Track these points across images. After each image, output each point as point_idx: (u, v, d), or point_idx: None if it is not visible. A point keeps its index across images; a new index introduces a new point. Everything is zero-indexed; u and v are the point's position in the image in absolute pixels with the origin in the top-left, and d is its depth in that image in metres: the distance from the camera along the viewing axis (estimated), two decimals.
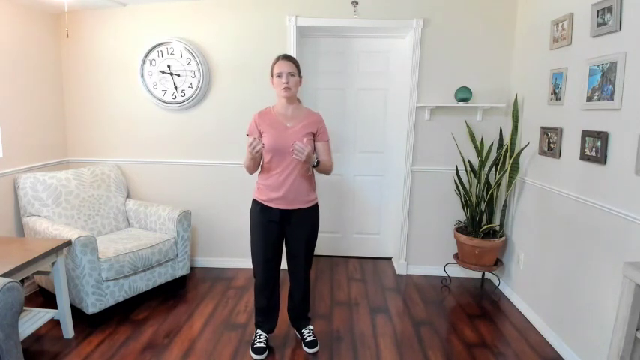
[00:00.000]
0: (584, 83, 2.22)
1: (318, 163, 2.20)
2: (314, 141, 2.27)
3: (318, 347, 2.42)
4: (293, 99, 2.25)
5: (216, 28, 3.29)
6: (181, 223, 3.07)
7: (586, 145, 2.22)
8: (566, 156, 2.44)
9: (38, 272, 2.47)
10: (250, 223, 2.34)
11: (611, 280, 2.02)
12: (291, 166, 2.19)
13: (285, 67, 2.15)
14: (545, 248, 2.66)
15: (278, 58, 2.19)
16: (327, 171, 2.32)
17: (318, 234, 3.92)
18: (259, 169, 2.32)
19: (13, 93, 2.95)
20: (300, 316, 2.50)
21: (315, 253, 3.91)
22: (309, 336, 2.44)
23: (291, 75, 2.16)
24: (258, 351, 2.33)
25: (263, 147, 2.07)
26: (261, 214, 2.27)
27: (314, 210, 2.33)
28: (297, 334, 2.53)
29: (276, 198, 2.22)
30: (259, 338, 2.39)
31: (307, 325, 2.50)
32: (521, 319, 2.83)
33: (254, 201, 2.32)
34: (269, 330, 2.45)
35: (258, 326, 2.45)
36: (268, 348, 2.40)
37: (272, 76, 2.20)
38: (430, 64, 3.25)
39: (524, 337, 2.61)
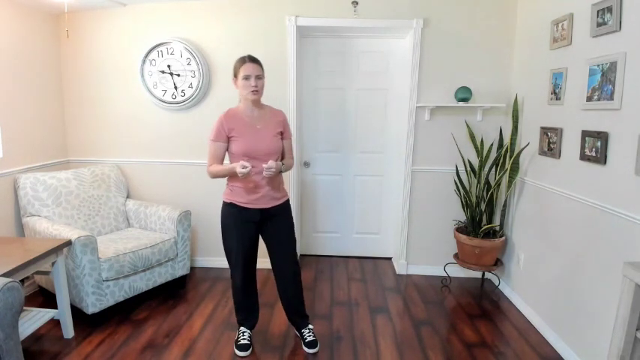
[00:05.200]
0: (584, 83, 2.22)
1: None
2: (281, 139, 2.32)
3: (318, 347, 2.41)
4: (259, 101, 2.25)
5: (217, 28, 3.29)
6: (181, 223, 3.07)
7: (586, 145, 2.22)
8: (566, 156, 2.44)
9: (38, 272, 2.47)
10: (224, 225, 2.31)
11: (611, 280, 2.02)
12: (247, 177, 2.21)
13: (253, 69, 2.13)
14: (545, 248, 2.66)
15: (244, 60, 2.14)
16: (289, 169, 2.39)
17: (318, 234, 3.98)
18: None
19: (13, 93, 2.95)
20: (296, 312, 2.48)
21: (315, 253, 3.93)
22: (310, 336, 2.43)
23: (259, 78, 2.15)
24: (243, 348, 2.36)
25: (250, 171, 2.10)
26: (238, 215, 2.26)
27: (288, 203, 2.40)
28: (297, 333, 2.53)
29: (256, 198, 2.24)
30: (243, 335, 2.42)
31: (307, 325, 2.49)
32: (521, 319, 2.83)
33: (229, 204, 2.27)
34: (252, 327, 2.48)
35: (241, 324, 2.47)
36: (252, 345, 2.44)
37: (236, 77, 2.17)
38: (430, 64, 3.25)
39: (524, 337, 2.61)
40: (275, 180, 2.29)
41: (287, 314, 2.52)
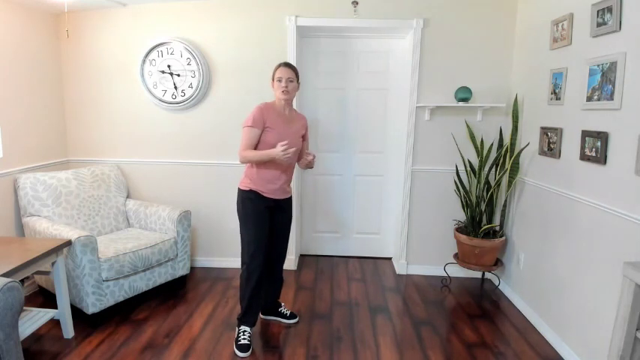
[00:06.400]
0: (584, 83, 2.23)
1: None
2: (302, 140, 2.53)
3: (298, 316, 2.76)
4: (290, 102, 2.46)
5: (217, 28, 3.29)
6: (181, 223, 3.07)
7: (586, 145, 2.22)
8: (566, 156, 2.44)
9: (38, 272, 2.47)
10: (245, 212, 2.39)
11: (611, 280, 2.02)
12: (287, 161, 2.37)
13: (285, 73, 2.37)
14: (545, 248, 2.66)
15: (279, 65, 2.40)
16: None
17: (318, 234, 3.98)
18: None
19: (13, 93, 2.95)
20: (274, 302, 2.71)
21: (315, 253, 3.94)
22: (288, 310, 2.74)
23: (290, 81, 2.38)
24: (243, 348, 2.36)
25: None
26: (258, 201, 2.39)
27: (291, 198, 2.62)
28: (277, 317, 2.73)
29: (273, 189, 2.42)
30: (243, 335, 2.42)
31: (280, 305, 2.75)
32: (521, 319, 2.83)
33: (249, 191, 2.39)
34: (252, 324, 2.48)
35: (242, 322, 2.46)
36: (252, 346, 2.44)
37: (273, 80, 2.42)
38: (430, 64, 3.25)
39: (524, 337, 2.61)
40: (290, 176, 2.51)
41: (268, 304, 2.70)
